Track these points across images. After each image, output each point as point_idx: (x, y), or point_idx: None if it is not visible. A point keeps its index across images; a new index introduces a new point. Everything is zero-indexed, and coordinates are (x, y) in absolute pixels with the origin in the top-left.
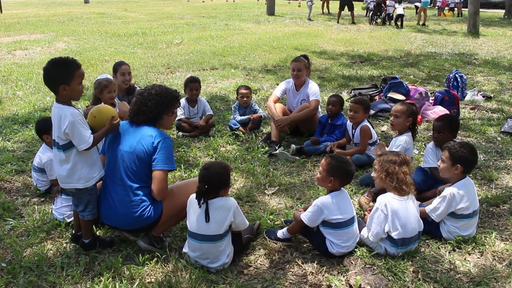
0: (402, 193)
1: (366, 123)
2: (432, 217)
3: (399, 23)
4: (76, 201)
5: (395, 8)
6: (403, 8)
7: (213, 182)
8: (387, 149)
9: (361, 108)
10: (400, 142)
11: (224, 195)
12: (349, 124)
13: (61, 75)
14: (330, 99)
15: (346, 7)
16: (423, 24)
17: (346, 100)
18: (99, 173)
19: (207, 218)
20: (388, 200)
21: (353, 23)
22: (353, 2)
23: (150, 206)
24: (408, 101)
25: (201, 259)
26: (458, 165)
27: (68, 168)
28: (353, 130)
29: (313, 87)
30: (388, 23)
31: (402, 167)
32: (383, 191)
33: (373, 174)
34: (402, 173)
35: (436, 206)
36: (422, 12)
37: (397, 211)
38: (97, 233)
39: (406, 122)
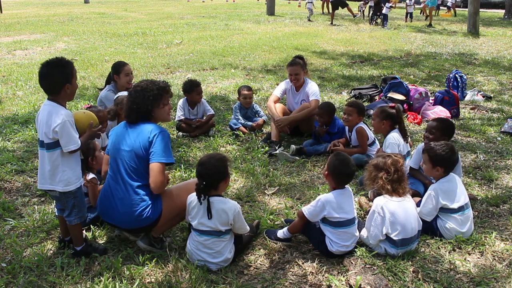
0: (394, 195)
1: (361, 124)
2: (424, 218)
3: (378, 21)
4: (60, 205)
5: (414, 6)
6: (389, 8)
7: (211, 177)
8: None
9: (355, 112)
10: (389, 140)
11: (224, 187)
12: (346, 127)
13: (65, 74)
14: (318, 111)
15: (339, 8)
16: (429, 25)
17: (346, 100)
18: (80, 181)
19: (210, 215)
20: (384, 202)
21: (354, 16)
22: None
23: (149, 206)
24: (392, 104)
25: (203, 252)
26: (438, 167)
27: (49, 169)
28: (350, 133)
29: (312, 87)
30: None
31: (380, 172)
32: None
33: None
34: (380, 180)
35: (423, 207)
36: (429, 10)
37: (394, 212)
38: (96, 232)
39: (381, 124)
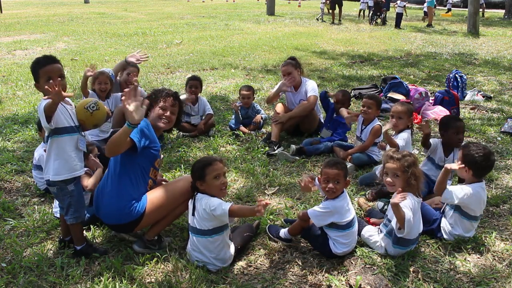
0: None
1: (378, 122)
2: (445, 197)
3: (379, 21)
4: (60, 203)
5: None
6: (403, 7)
7: (192, 175)
8: (388, 147)
9: (375, 104)
10: (403, 137)
11: (204, 190)
12: (360, 118)
13: (32, 73)
14: (338, 96)
15: (337, 6)
16: (429, 25)
17: None
18: (71, 173)
19: (194, 211)
20: (415, 201)
21: (340, 21)
22: (349, 2)
23: (133, 201)
24: (403, 100)
25: (198, 253)
26: (467, 168)
27: (45, 159)
28: (363, 126)
29: (310, 84)
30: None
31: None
32: (382, 191)
33: (389, 179)
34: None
35: (459, 190)
36: (428, 10)
37: (416, 212)
38: (96, 232)
39: (408, 122)
